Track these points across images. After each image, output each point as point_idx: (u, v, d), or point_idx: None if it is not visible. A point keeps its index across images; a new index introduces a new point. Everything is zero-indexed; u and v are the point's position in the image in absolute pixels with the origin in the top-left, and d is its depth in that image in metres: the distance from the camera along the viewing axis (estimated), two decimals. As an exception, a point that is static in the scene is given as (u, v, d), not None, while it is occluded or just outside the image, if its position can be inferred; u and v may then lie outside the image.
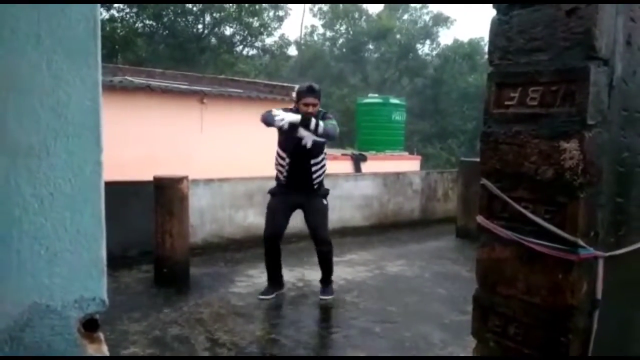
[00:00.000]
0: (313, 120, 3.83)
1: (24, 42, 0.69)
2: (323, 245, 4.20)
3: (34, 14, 0.70)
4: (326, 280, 4.35)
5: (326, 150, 4.24)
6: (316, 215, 4.17)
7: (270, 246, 4.18)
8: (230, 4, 21.22)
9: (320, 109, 4.09)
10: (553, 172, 1.47)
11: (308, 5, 27.74)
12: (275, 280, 4.32)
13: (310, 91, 3.99)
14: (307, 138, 3.89)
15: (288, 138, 3.97)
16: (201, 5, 21.29)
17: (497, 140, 1.62)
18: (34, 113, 0.71)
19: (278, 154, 4.12)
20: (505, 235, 1.58)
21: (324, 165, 4.15)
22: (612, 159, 1.51)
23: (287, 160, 4.04)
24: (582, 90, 1.40)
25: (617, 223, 1.57)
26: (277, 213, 4.16)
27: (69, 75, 0.72)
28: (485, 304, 1.70)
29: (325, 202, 4.21)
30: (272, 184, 4.30)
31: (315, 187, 4.12)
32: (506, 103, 1.59)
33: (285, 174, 4.09)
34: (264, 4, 21.76)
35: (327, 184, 4.30)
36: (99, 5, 0.75)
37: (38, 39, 0.70)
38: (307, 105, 3.94)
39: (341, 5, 29.47)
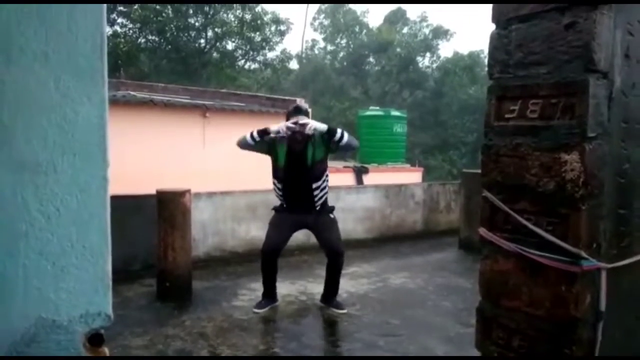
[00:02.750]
0: (339, 130, 3.96)
1: (32, 60, 0.71)
2: (338, 257, 4.17)
3: (42, 32, 0.71)
4: (334, 292, 4.34)
5: (328, 163, 4.24)
6: (329, 232, 4.15)
7: (268, 260, 4.18)
8: (233, 19, 21.42)
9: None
10: (554, 184, 1.48)
11: (309, 20, 28.00)
12: (269, 293, 4.32)
13: (297, 111, 4.09)
14: (312, 127, 3.91)
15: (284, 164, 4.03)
16: (203, 20, 21.49)
17: (498, 153, 1.63)
18: (41, 130, 0.72)
19: (274, 184, 4.17)
20: (508, 247, 1.58)
21: (326, 187, 4.14)
22: (613, 171, 1.52)
23: (282, 185, 4.08)
24: (581, 102, 1.42)
25: (619, 234, 1.57)
26: (279, 229, 4.16)
27: (76, 93, 0.74)
28: (488, 316, 1.70)
29: (332, 216, 4.21)
30: (274, 197, 4.32)
31: (319, 208, 4.12)
32: (506, 116, 1.60)
33: (284, 199, 4.14)
34: (265, 19, 21.94)
35: (329, 196, 4.29)
36: (105, 23, 0.77)
37: (46, 57, 0.72)
38: (299, 124, 3.98)
39: (342, 19, 29.74)
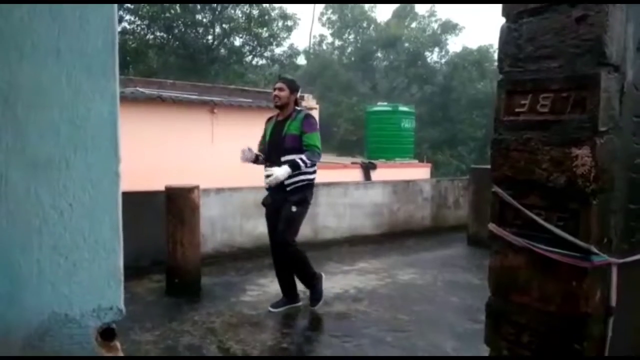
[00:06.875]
0: (301, 165, 3.90)
1: (44, 56, 0.71)
2: (278, 247, 4.09)
3: (54, 28, 0.72)
4: (306, 284, 4.25)
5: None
6: (282, 220, 4.00)
7: (274, 256, 4.20)
8: (240, 15, 21.42)
9: (299, 107, 4.22)
10: (565, 178, 1.47)
11: (317, 15, 27.94)
12: (287, 292, 4.27)
13: (278, 78, 4.34)
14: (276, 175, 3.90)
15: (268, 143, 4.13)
16: (211, 16, 21.50)
17: (508, 147, 1.62)
18: (53, 126, 0.73)
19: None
20: (518, 242, 1.57)
21: (300, 173, 3.97)
22: (624, 165, 1.50)
23: (266, 159, 4.13)
24: (593, 96, 1.40)
25: (630, 229, 1.56)
26: (270, 223, 4.16)
27: (87, 89, 0.74)
28: (498, 312, 1.69)
29: (294, 209, 3.99)
30: None
31: (289, 189, 3.96)
32: (517, 110, 1.59)
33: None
34: (272, 15, 21.92)
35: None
36: (117, 20, 0.77)
37: (58, 53, 0.72)
38: (274, 89, 4.18)
39: (350, 14, 29.65)
